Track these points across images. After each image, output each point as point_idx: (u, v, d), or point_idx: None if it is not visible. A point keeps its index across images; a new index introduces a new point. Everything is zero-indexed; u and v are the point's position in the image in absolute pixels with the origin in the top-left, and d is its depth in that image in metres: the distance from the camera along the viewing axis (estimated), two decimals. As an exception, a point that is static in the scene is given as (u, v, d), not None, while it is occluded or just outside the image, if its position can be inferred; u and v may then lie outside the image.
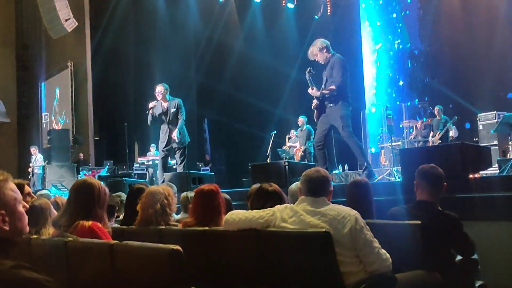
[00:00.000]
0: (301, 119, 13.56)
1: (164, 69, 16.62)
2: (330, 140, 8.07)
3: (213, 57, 17.33)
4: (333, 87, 7.26)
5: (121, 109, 17.39)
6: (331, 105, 7.35)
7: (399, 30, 17.03)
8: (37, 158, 15.52)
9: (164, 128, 9.24)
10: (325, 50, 7.41)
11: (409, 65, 16.70)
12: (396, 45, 17.09)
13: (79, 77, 18.05)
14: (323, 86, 7.44)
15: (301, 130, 13.72)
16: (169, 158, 10.18)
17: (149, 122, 9.37)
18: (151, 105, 9.17)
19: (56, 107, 19.37)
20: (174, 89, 9.97)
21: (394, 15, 17.16)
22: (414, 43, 16.54)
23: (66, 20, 16.39)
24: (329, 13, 17.49)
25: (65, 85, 18.55)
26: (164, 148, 9.28)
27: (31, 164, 15.56)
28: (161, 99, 9.13)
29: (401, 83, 16.82)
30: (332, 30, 16.09)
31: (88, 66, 17.61)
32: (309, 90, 7.52)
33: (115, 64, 17.51)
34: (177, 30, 17.68)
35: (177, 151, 9.38)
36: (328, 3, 17.64)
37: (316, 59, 7.51)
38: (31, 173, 15.39)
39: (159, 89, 9.16)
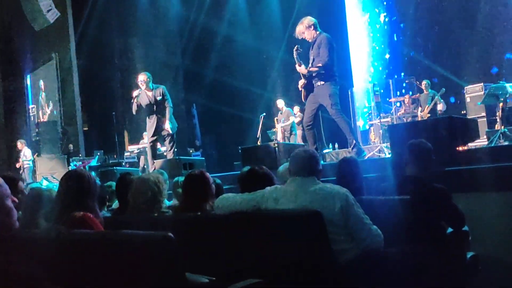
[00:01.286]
0: (280, 101, 13.76)
1: (150, 56, 16.56)
2: (318, 119, 8.10)
3: (198, 42, 17.25)
4: (319, 65, 7.26)
5: (109, 99, 17.32)
6: (319, 83, 7.35)
7: (384, 3, 16.94)
8: (25, 153, 15.40)
9: (152, 117, 9.16)
10: (312, 28, 7.40)
11: (395, 39, 16.64)
12: (382, 18, 17.00)
13: (65, 68, 17.93)
14: (309, 65, 7.44)
15: (281, 113, 13.88)
16: (159, 145, 10.15)
17: (134, 111, 9.31)
18: (134, 93, 9.10)
19: (41, 100, 19.24)
20: (160, 76, 9.94)
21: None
22: (400, 16, 16.45)
23: (48, 11, 16.25)
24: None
25: (51, 76, 18.41)
26: (152, 136, 9.23)
27: (20, 160, 15.45)
28: (145, 88, 9.06)
29: (387, 56, 16.78)
30: (317, 9, 15.99)
31: (73, 56, 17.49)
32: (297, 67, 7.51)
33: (100, 53, 17.40)
34: (160, 17, 17.56)
35: (166, 138, 9.35)
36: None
37: (304, 37, 7.49)
38: (21, 168, 15.29)
39: (142, 78, 9.06)
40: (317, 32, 7.41)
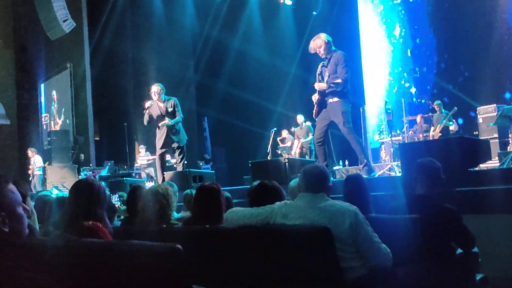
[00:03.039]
0: (300, 117, 13.69)
1: (163, 68, 16.65)
2: (329, 135, 8.08)
3: (211, 55, 17.34)
4: (339, 80, 7.26)
5: (121, 109, 17.41)
6: (331, 100, 7.36)
7: (401, 16, 16.93)
8: (35, 160, 15.51)
9: (162, 128, 9.18)
10: (330, 45, 7.43)
11: (409, 54, 16.61)
12: (397, 32, 16.98)
13: (78, 78, 18.04)
14: (325, 81, 7.44)
15: (300, 128, 13.85)
16: (170, 157, 10.14)
17: (145, 122, 9.32)
18: (147, 104, 9.12)
19: (53, 110, 19.37)
20: (172, 88, 9.93)
21: (397, 1, 17.03)
22: (415, 32, 16.43)
23: (64, 21, 16.36)
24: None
25: (65, 86, 18.52)
26: (161, 148, 9.24)
27: (30, 167, 15.55)
28: (157, 99, 9.09)
29: (400, 69, 16.74)
30: (331, 25, 16.04)
31: (87, 66, 17.60)
32: (316, 84, 7.49)
33: (114, 64, 17.53)
34: (175, 29, 17.70)
35: (176, 150, 9.36)
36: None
37: (319, 51, 7.46)
38: (31, 175, 15.39)
39: (155, 89, 9.10)
40: (333, 50, 7.43)
